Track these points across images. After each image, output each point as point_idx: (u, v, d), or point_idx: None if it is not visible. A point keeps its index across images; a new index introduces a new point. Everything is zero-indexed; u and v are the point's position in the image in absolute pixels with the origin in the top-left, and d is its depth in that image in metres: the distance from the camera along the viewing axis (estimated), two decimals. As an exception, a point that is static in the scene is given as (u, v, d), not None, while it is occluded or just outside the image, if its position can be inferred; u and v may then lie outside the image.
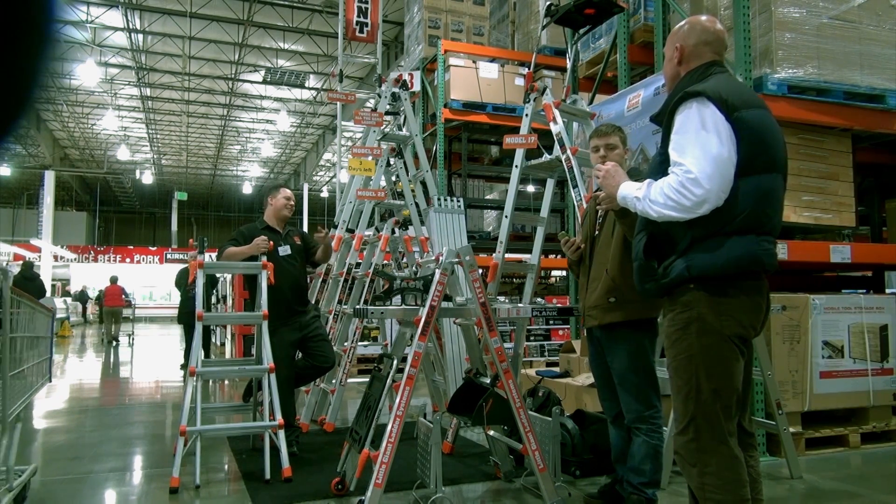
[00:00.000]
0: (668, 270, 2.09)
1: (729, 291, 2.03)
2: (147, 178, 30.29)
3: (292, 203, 4.63)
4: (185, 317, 7.56)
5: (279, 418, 3.79)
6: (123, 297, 15.90)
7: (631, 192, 2.15)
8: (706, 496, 2.02)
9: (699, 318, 2.04)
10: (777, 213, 2.13)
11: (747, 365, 2.16)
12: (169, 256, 30.62)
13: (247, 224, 4.65)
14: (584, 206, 3.62)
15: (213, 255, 5.34)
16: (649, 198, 2.06)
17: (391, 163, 5.79)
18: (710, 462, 2.02)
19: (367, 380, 3.60)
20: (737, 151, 2.01)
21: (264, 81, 21.02)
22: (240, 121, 26.00)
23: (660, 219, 2.06)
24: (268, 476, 3.66)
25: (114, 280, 15.89)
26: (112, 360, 12.15)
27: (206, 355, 8.11)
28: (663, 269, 2.11)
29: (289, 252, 4.48)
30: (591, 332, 3.23)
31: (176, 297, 9.42)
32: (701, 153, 1.98)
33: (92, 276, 27.46)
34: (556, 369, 5.89)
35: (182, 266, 8.24)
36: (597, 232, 3.22)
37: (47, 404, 6.87)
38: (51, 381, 3.40)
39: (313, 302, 5.22)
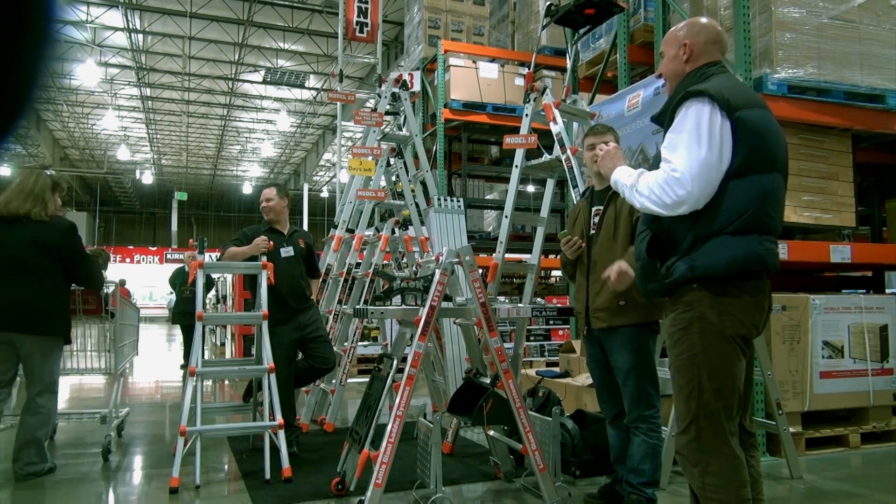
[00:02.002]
0: (670, 270, 2.10)
1: (731, 291, 2.04)
2: (147, 178, 30.29)
3: (265, 205, 4.50)
4: (180, 317, 7.53)
5: (279, 418, 3.79)
6: (130, 298, 16.35)
7: (623, 177, 2.20)
8: (707, 496, 2.02)
9: (701, 318, 2.04)
10: (778, 213, 2.13)
11: (748, 364, 2.16)
12: (169, 256, 30.58)
13: (251, 225, 4.64)
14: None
15: (213, 255, 5.34)
16: (637, 188, 2.12)
17: (391, 163, 5.79)
18: (711, 462, 2.02)
19: (367, 380, 3.60)
20: (737, 151, 2.01)
21: (264, 81, 21.01)
22: (240, 121, 25.99)
23: (642, 209, 2.15)
24: (268, 476, 3.66)
25: (122, 283, 16.33)
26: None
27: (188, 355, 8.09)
28: (666, 269, 2.11)
29: (291, 254, 4.47)
30: (591, 333, 3.23)
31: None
32: (690, 154, 2.00)
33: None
34: (556, 369, 5.89)
35: (178, 266, 8.22)
36: (593, 231, 3.22)
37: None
38: (138, 354, 5.26)
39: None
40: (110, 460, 4.21)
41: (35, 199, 3.69)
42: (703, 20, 2.35)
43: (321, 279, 5.40)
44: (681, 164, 2.00)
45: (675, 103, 2.11)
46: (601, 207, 3.21)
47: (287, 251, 4.46)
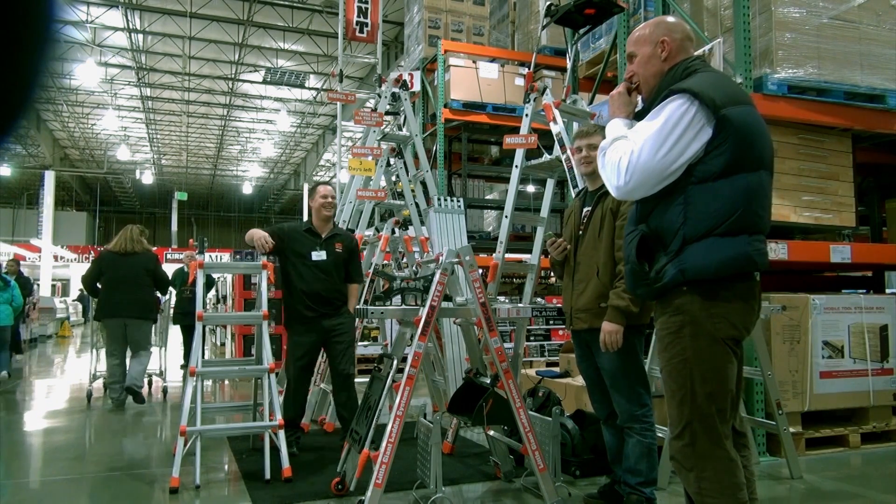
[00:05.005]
0: (660, 274, 2.06)
1: (722, 294, 2.01)
2: (147, 178, 30.28)
3: (329, 201, 4.45)
4: (180, 317, 7.57)
5: (279, 418, 3.79)
6: None
7: (609, 132, 2.20)
8: (704, 501, 2.00)
9: (692, 322, 2.01)
10: (766, 212, 2.10)
11: (739, 365, 2.14)
12: (169, 256, 30.52)
13: (291, 221, 4.58)
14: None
15: (213, 255, 5.36)
16: (606, 150, 2.14)
17: (391, 163, 5.79)
18: (706, 466, 2.00)
19: (367, 380, 3.60)
20: (723, 151, 1.98)
21: (264, 81, 21.01)
22: (240, 121, 25.99)
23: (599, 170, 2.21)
24: (268, 476, 3.66)
25: None
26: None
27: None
28: (655, 272, 2.08)
29: (323, 258, 4.33)
30: (580, 334, 3.23)
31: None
32: (645, 148, 2.00)
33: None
34: (556, 369, 5.88)
35: (178, 266, 8.26)
36: (580, 232, 3.22)
37: (47, 404, 6.87)
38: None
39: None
40: (167, 401, 6.71)
41: (137, 242, 6.34)
42: (670, 19, 2.32)
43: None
44: (634, 156, 2.01)
45: (661, 100, 2.07)
46: (590, 208, 3.21)
47: (319, 255, 4.34)
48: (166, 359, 7.30)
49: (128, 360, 6.36)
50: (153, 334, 6.77)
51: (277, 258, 4.49)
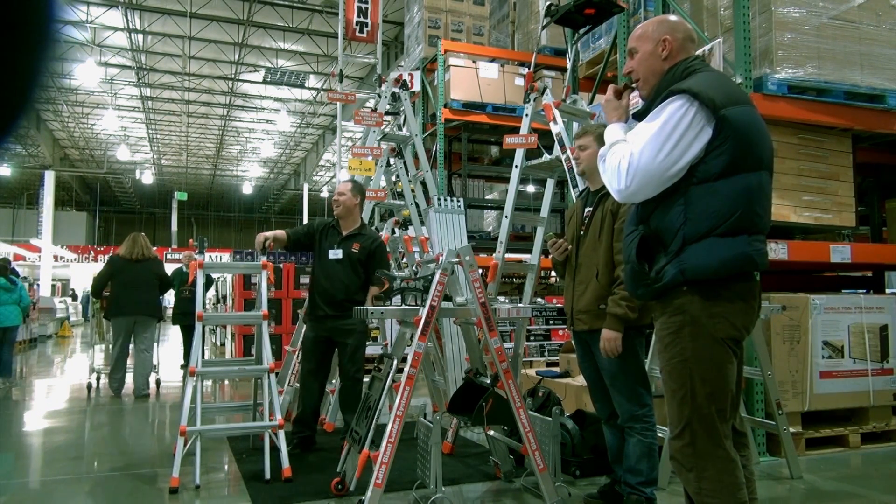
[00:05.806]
0: (660, 275, 2.05)
1: (722, 294, 2.01)
2: (147, 178, 30.26)
3: (336, 197, 4.45)
4: (180, 317, 7.63)
5: (279, 418, 3.79)
6: None
7: (609, 136, 2.20)
8: (704, 501, 2.00)
9: (692, 322, 2.01)
10: (766, 212, 2.10)
11: (739, 366, 2.13)
12: (169, 256, 30.53)
13: (320, 218, 4.66)
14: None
15: (213, 255, 5.37)
16: (605, 156, 2.14)
17: (391, 163, 5.79)
18: (707, 466, 1.99)
19: (368, 380, 3.60)
20: (723, 151, 1.97)
21: (264, 81, 21.00)
22: (240, 121, 25.99)
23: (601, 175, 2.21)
24: (268, 476, 3.66)
25: None
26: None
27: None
28: (655, 273, 2.07)
29: (339, 256, 4.32)
30: (580, 334, 3.23)
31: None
32: (645, 150, 2.00)
33: (92, 276, 27.33)
34: (556, 369, 5.88)
35: (176, 266, 8.31)
36: (581, 232, 3.22)
37: (47, 404, 6.87)
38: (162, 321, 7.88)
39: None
40: (160, 393, 7.20)
41: (148, 249, 7.12)
42: (673, 17, 2.32)
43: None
44: (634, 156, 2.01)
45: (661, 101, 2.06)
46: (592, 209, 3.21)
47: (335, 253, 4.32)
48: (159, 354, 7.62)
49: (129, 361, 6.86)
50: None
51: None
